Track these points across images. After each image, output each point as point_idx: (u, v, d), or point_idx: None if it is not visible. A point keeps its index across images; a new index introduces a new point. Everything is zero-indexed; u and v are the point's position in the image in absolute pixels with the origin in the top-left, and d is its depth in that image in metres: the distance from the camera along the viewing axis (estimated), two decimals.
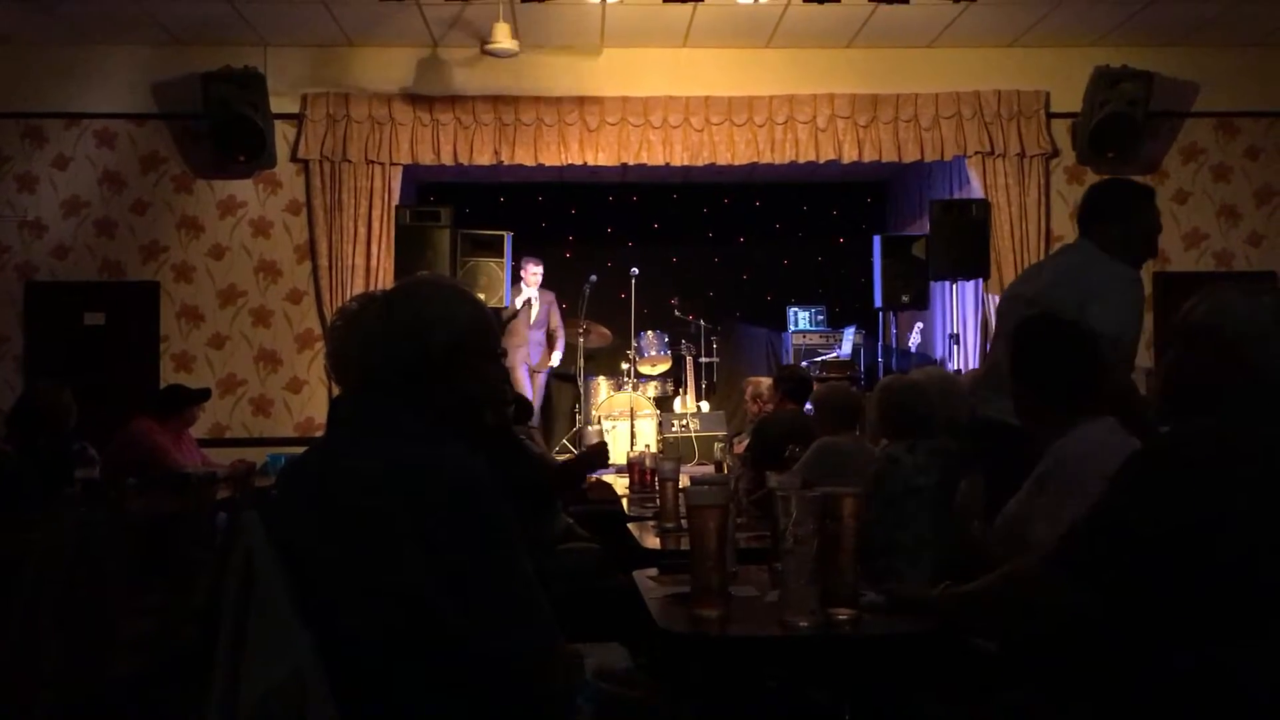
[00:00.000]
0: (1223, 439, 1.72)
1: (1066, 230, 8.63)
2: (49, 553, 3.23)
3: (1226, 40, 8.36)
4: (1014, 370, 2.70)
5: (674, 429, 9.05)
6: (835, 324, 9.94)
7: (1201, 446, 1.73)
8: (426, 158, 8.38)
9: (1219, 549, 1.62)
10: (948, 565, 3.27)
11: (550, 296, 9.43)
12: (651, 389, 9.54)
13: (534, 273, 9.24)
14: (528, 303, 9.15)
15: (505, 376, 2.12)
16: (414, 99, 8.37)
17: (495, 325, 2.01)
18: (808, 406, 6.45)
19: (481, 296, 8.35)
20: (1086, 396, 2.57)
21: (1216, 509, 1.63)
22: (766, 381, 7.14)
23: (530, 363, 9.13)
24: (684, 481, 4.11)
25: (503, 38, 7.60)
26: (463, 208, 8.87)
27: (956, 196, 8.92)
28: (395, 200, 8.36)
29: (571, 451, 8.94)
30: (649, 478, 5.20)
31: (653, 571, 3.07)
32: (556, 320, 9.49)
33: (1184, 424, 1.87)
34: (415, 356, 1.86)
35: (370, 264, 8.29)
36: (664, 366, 9.70)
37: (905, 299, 8.35)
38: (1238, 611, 1.61)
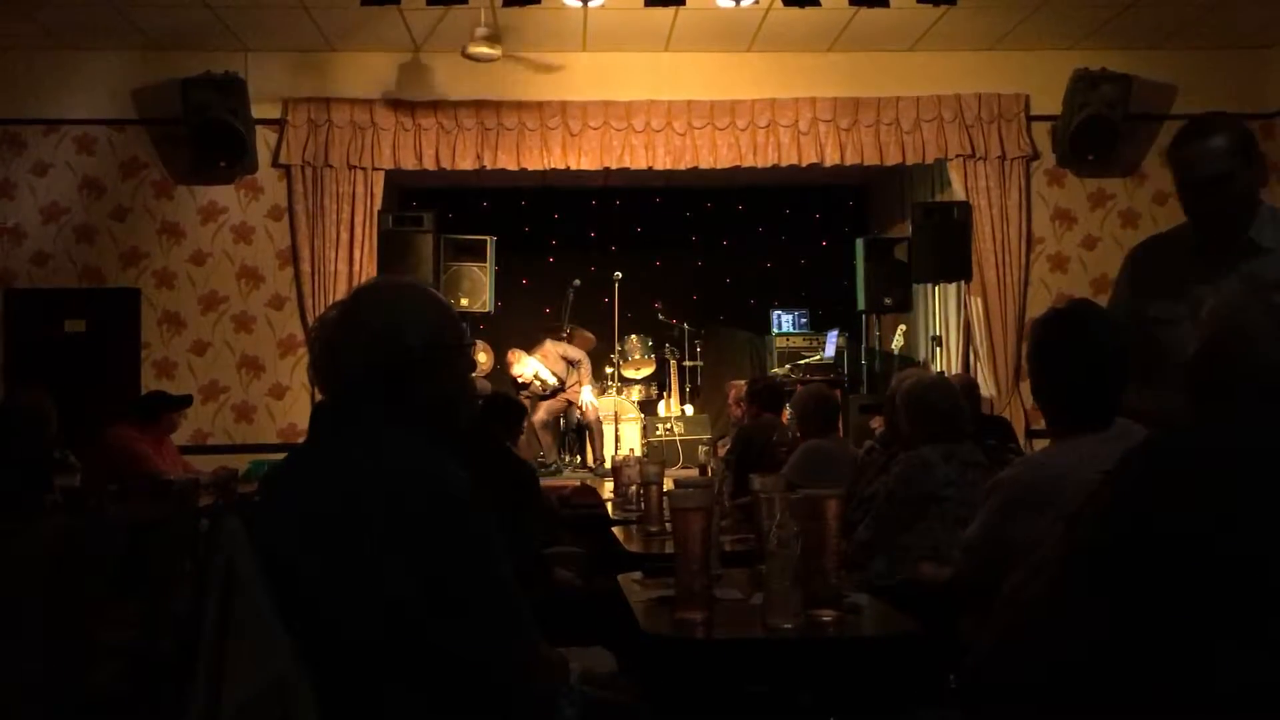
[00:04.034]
0: (1218, 437, 1.71)
1: (1047, 232, 8.68)
2: (29, 560, 3.21)
3: (1204, 43, 8.42)
4: (1040, 367, 2.54)
5: (658, 432, 9.06)
6: (818, 327, 9.96)
7: (1198, 444, 1.71)
8: (409, 162, 8.36)
9: (1224, 552, 1.60)
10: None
11: (550, 349, 8.86)
12: (636, 393, 9.55)
13: (516, 366, 8.68)
14: (539, 379, 8.70)
15: (474, 368, 2.14)
16: (396, 104, 8.36)
17: (459, 318, 2.03)
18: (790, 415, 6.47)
19: (464, 302, 8.38)
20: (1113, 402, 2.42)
21: (1218, 510, 1.62)
22: None
23: (582, 401, 8.71)
24: (668, 485, 4.12)
25: (484, 42, 7.59)
26: (445, 212, 8.86)
27: (938, 199, 8.95)
28: (378, 205, 8.34)
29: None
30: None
31: (637, 575, 3.07)
32: (575, 352, 8.87)
33: (1184, 426, 1.86)
34: (391, 359, 1.87)
35: (353, 269, 8.27)
36: (648, 370, 9.71)
37: (888, 302, 8.37)
38: (1244, 619, 1.60)
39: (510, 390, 8.79)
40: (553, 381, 8.74)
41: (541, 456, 8.67)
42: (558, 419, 8.94)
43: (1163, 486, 1.67)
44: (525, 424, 8.56)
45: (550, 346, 8.89)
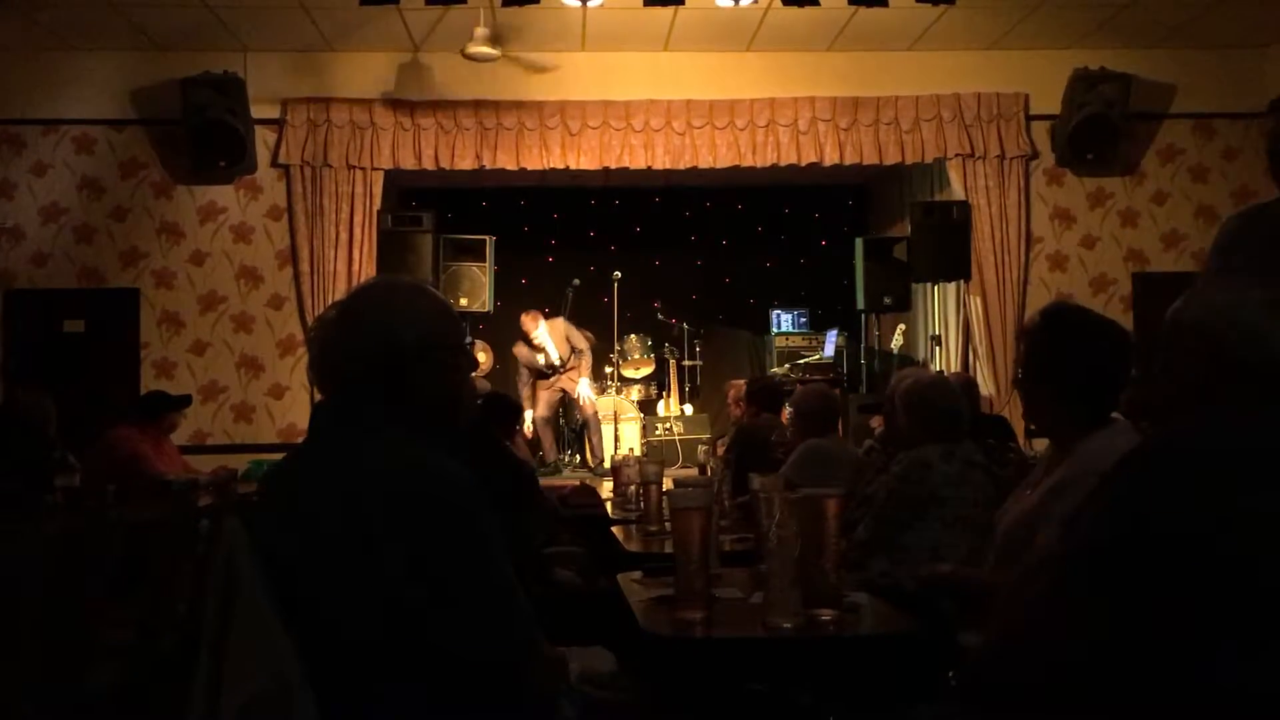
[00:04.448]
0: (1220, 443, 1.70)
1: (1046, 231, 8.69)
2: (29, 561, 3.21)
3: (1203, 42, 8.42)
4: (1040, 368, 2.47)
5: (658, 432, 9.06)
6: (818, 327, 9.96)
7: (1200, 450, 1.71)
8: (408, 162, 8.37)
9: (1225, 553, 1.60)
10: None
11: (560, 326, 8.84)
12: (635, 392, 9.55)
13: (535, 332, 8.64)
14: (545, 353, 8.70)
15: (474, 367, 2.13)
16: (395, 104, 8.36)
17: (458, 317, 2.02)
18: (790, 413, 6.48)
19: (464, 301, 8.37)
20: (1111, 401, 2.38)
21: (1218, 510, 1.61)
22: None
23: (578, 393, 8.72)
24: (668, 484, 4.12)
25: (483, 42, 7.60)
26: (445, 212, 8.86)
27: (937, 199, 8.95)
28: (377, 205, 8.35)
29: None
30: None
31: (637, 574, 3.07)
32: (580, 341, 8.85)
33: (1177, 427, 1.86)
34: (390, 358, 1.87)
35: (352, 269, 8.27)
36: (647, 370, 9.71)
37: (887, 301, 8.38)
38: (1245, 619, 1.59)
39: (517, 363, 8.76)
40: (555, 359, 8.72)
41: (540, 455, 8.68)
42: (557, 415, 8.94)
43: (1162, 486, 1.67)
44: (532, 418, 8.64)
45: (560, 324, 8.85)
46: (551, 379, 8.78)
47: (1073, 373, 2.43)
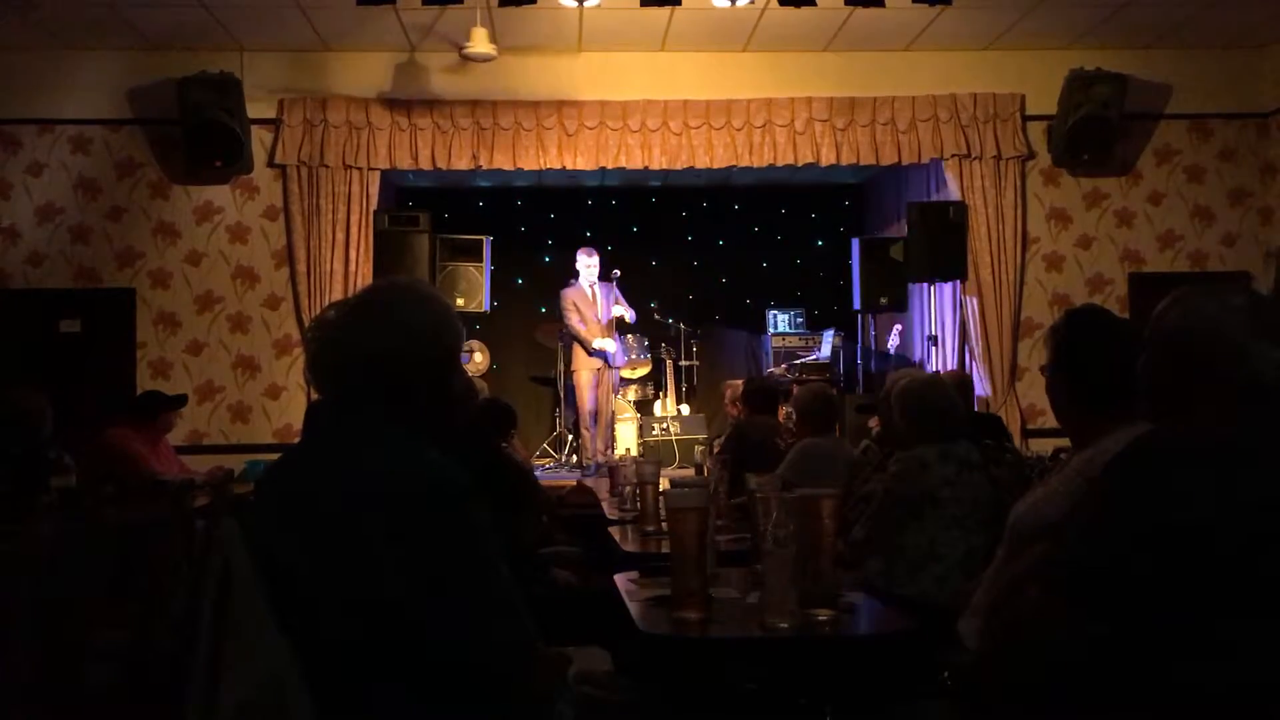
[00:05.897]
0: (1206, 441, 1.71)
1: (1042, 232, 8.70)
2: (25, 561, 3.21)
3: (1199, 43, 8.43)
4: (1064, 368, 2.50)
5: (654, 432, 9.06)
6: (814, 327, 9.97)
7: (1186, 448, 1.71)
8: (405, 162, 8.36)
9: (1215, 552, 1.60)
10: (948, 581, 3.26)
11: (609, 289, 8.61)
12: (632, 393, 9.56)
13: (588, 264, 8.50)
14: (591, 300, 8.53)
15: (473, 389, 2.15)
16: (392, 104, 8.35)
17: (462, 325, 2.03)
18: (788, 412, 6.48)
19: (460, 301, 8.33)
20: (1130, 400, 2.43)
21: (1208, 511, 1.62)
22: None
23: (615, 364, 8.54)
24: (664, 485, 4.12)
25: (480, 42, 7.59)
26: (441, 212, 8.86)
27: (933, 199, 8.96)
28: (373, 205, 8.34)
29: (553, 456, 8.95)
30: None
31: (634, 575, 3.07)
32: (625, 308, 8.63)
33: (1163, 427, 1.86)
34: (392, 359, 1.87)
35: (349, 269, 8.26)
36: (644, 370, 9.71)
37: (884, 301, 8.38)
38: (1237, 618, 1.60)
39: (561, 304, 8.53)
40: (592, 297, 8.51)
41: (573, 442, 8.66)
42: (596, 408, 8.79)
43: (1154, 487, 1.68)
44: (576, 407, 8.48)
45: (614, 289, 8.67)
46: (593, 352, 8.51)
47: (1092, 372, 2.46)
